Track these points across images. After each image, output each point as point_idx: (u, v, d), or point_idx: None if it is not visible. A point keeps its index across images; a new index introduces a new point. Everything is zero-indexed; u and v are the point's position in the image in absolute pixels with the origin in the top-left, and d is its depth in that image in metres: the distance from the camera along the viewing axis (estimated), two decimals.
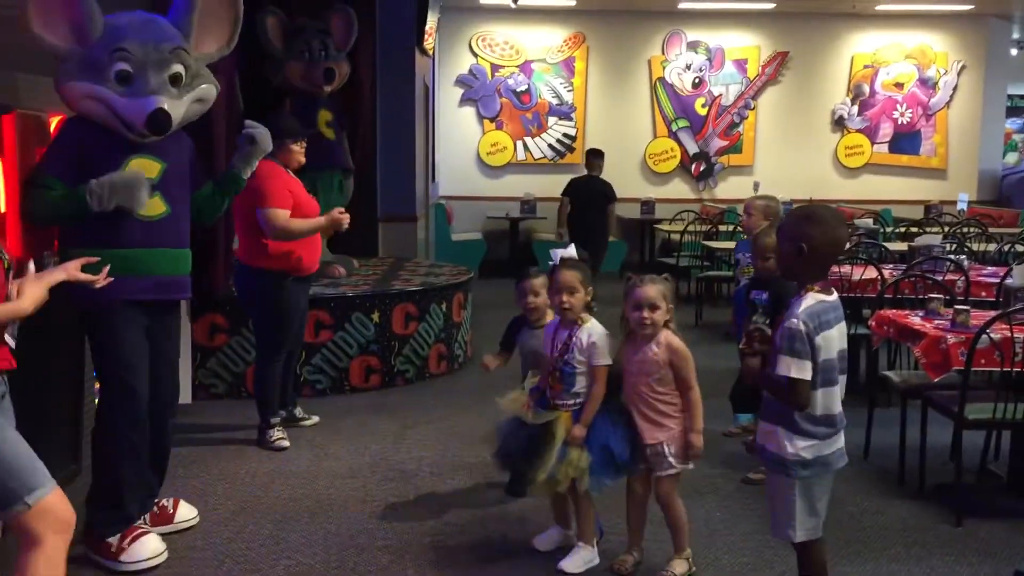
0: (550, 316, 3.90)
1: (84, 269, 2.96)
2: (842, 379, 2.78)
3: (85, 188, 3.38)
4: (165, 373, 3.75)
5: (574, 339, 3.52)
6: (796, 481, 2.76)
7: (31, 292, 2.61)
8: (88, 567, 3.53)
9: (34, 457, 2.56)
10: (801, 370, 2.66)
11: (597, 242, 8.84)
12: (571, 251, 3.65)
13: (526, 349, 4.02)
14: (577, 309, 3.54)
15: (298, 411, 5.39)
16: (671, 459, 3.43)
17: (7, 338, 2.61)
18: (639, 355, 3.44)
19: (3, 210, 3.46)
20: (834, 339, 2.73)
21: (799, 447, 2.73)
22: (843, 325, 2.79)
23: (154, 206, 3.55)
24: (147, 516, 3.80)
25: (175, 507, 3.89)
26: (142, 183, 3.46)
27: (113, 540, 3.51)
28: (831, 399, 2.75)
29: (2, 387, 2.57)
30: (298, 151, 4.95)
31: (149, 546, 3.53)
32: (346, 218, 4.93)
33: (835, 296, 2.80)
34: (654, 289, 3.42)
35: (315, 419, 5.41)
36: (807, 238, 2.71)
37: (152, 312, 3.62)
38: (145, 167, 3.53)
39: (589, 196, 9.10)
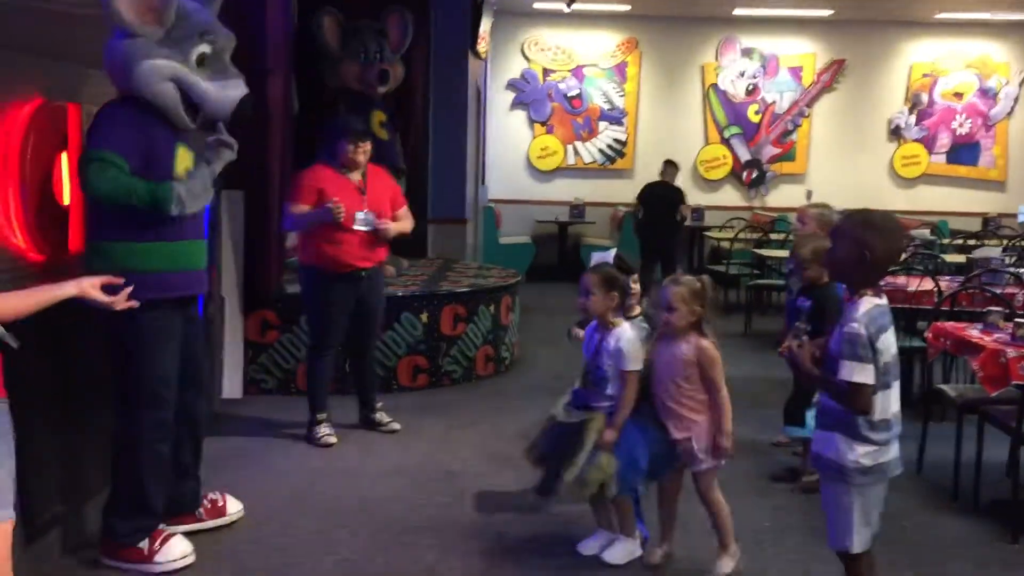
0: (636, 310, 3.80)
1: (123, 259, 2.86)
2: (896, 383, 2.76)
3: (171, 192, 3.28)
4: (197, 375, 3.70)
5: (604, 342, 3.54)
6: (854, 488, 2.72)
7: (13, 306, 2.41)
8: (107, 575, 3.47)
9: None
10: (864, 374, 2.64)
11: (668, 246, 9.62)
12: (609, 256, 3.64)
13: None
14: (592, 311, 3.57)
15: (378, 416, 5.28)
16: (701, 455, 3.46)
17: None
18: (668, 353, 3.49)
19: (67, 203, 3.53)
20: (891, 342, 2.73)
21: (859, 453, 2.71)
22: (893, 328, 2.78)
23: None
24: (202, 511, 3.82)
25: (224, 500, 3.93)
26: (210, 188, 3.47)
27: (143, 545, 3.44)
28: (889, 401, 2.73)
29: None
30: (352, 150, 4.91)
31: (179, 547, 3.48)
32: (339, 209, 4.74)
33: (885, 299, 2.78)
34: (671, 291, 3.47)
35: (397, 426, 5.27)
36: (870, 246, 2.69)
37: (182, 308, 3.54)
38: (185, 157, 3.47)
39: (661, 202, 9.64)
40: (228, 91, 3.43)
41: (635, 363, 3.51)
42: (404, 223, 5.24)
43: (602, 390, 3.55)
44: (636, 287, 3.87)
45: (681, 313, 3.45)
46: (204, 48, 3.38)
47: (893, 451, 2.77)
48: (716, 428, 3.44)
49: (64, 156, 3.48)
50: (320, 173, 4.93)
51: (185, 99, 3.38)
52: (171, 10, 3.32)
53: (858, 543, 2.76)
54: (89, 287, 2.64)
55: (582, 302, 3.59)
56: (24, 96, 3.26)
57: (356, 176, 4.99)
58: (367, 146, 4.99)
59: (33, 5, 3.37)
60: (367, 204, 4.94)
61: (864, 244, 2.69)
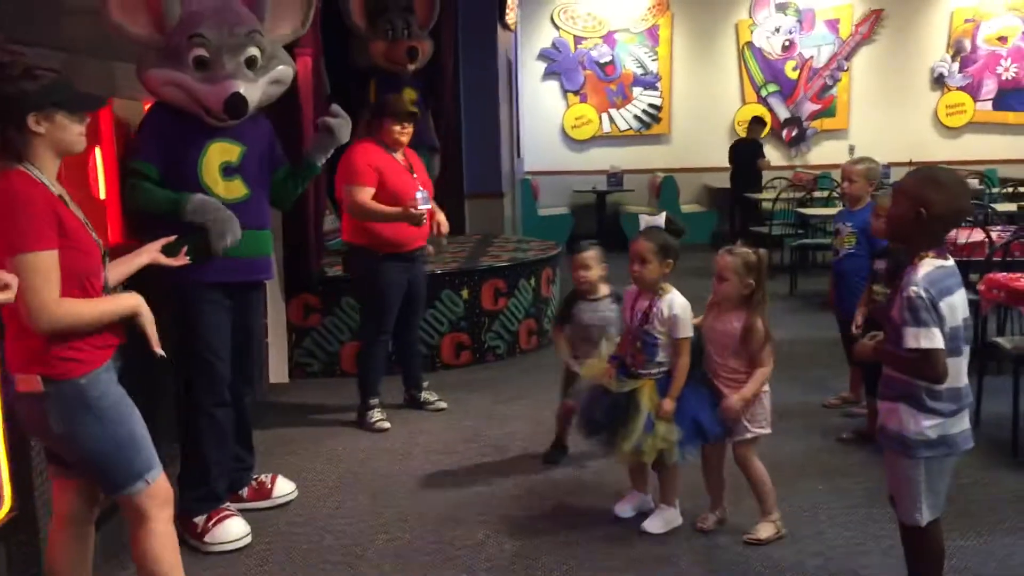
0: (604, 290, 4.13)
1: (163, 250, 3.01)
2: (966, 350, 2.63)
3: (186, 198, 3.44)
4: (246, 352, 3.79)
5: (655, 309, 3.50)
6: (920, 461, 2.62)
7: (118, 273, 2.69)
8: None
9: (148, 435, 2.62)
10: (931, 339, 2.49)
11: (745, 197, 10.71)
12: (658, 220, 3.58)
13: (578, 322, 4.12)
14: (646, 280, 3.52)
15: (424, 395, 5.32)
16: (746, 423, 3.44)
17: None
18: (721, 324, 3.45)
19: (103, 197, 3.56)
20: (958, 306, 2.57)
21: (924, 425, 2.59)
22: (964, 291, 2.64)
23: (235, 188, 3.58)
24: (246, 491, 3.89)
25: (273, 482, 3.97)
26: (235, 231, 3.50)
27: (199, 520, 3.55)
28: (958, 370, 2.59)
29: (119, 362, 2.61)
30: (399, 131, 4.86)
31: (234, 529, 3.56)
32: (421, 215, 4.74)
33: (952, 261, 2.64)
34: (723, 261, 3.43)
35: (444, 404, 5.30)
36: (927, 202, 2.54)
37: (235, 293, 3.66)
38: (226, 151, 3.56)
39: (742, 156, 11.01)
40: (212, 93, 3.46)
41: (689, 330, 3.49)
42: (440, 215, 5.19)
43: (652, 357, 3.51)
44: (593, 269, 4.05)
45: (733, 284, 3.40)
46: (198, 52, 3.46)
47: (962, 423, 2.64)
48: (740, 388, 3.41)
49: (98, 151, 3.49)
50: (373, 152, 4.86)
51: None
52: (165, 14, 3.44)
53: (926, 515, 2.67)
54: (154, 251, 2.97)
55: (637, 270, 3.51)
56: None
57: (400, 156, 4.96)
58: (411, 128, 4.96)
59: (62, 3, 3.39)
60: (420, 183, 4.90)
61: (921, 201, 2.55)
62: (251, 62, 3.57)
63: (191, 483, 3.63)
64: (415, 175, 4.95)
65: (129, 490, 2.55)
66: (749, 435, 3.47)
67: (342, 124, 3.87)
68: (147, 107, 3.81)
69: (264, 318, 5.50)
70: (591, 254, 4.12)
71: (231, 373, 3.70)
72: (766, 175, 11.35)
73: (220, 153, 3.55)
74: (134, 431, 2.56)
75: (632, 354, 3.56)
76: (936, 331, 2.50)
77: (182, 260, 3.11)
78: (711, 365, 3.50)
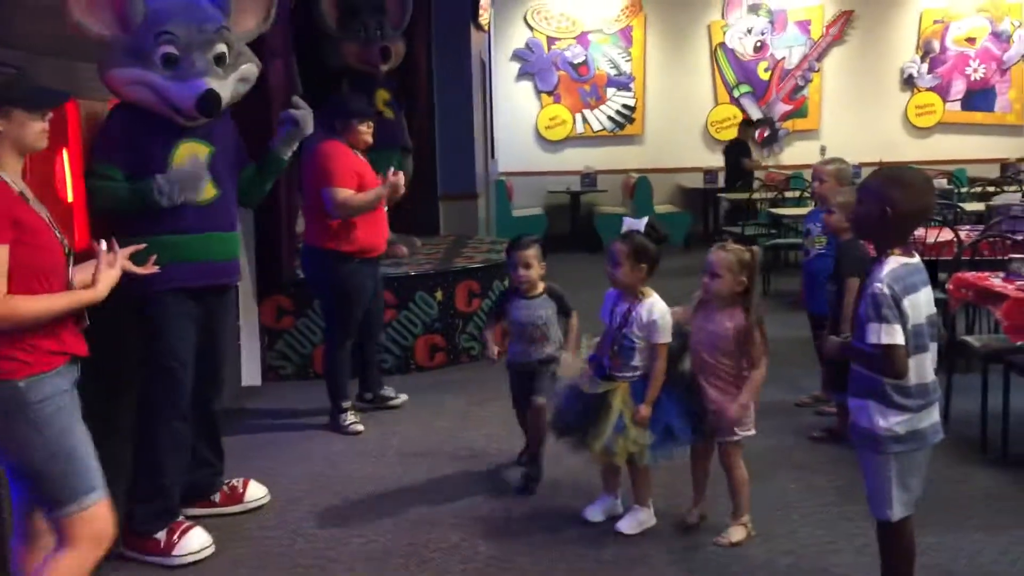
0: (540, 287, 4.05)
1: (131, 258, 2.95)
2: (933, 346, 2.66)
3: (151, 184, 3.37)
4: (214, 359, 3.73)
5: (634, 313, 3.49)
6: (890, 457, 2.64)
7: (106, 277, 2.61)
8: (129, 567, 3.44)
9: (94, 456, 2.53)
10: (892, 335, 2.53)
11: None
12: (640, 224, 3.57)
13: (515, 320, 4.06)
14: (619, 282, 3.53)
15: (386, 390, 5.35)
16: (729, 427, 3.44)
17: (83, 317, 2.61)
18: (710, 324, 3.43)
19: (70, 200, 3.51)
20: (922, 303, 2.61)
21: (892, 422, 2.62)
22: (929, 289, 2.68)
23: (206, 190, 3.53)
24: (218, 496, 3.85)
25: (244, 487, 3.93)
26: (204, 172, 3.46)
27: (161, 536, 3.45)
28: (923, 367, 2.63)
29: (75, 373, 2.57)
30: (365, 131, 4.89)
31: (197, 539, 3.48)
32: (401, 178, 4.79)
33: (917, 258, 2.68)
34: (717, 257, 3.40)
35: (404, 397, 5.37)
36: (891, 201, 2.58)
37: (203, 298, 3.60)
38: (195, 151, 3.51)
39: (729, 156, 11.31)
40: (182, 91, 3.40)
41: (668, 335, 3.47)
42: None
43: (628, 360, 3.50)
44: (534, 267, 3.98)
45: (726, 281, 3.38)
46: (167, 49, 3.40)
47: (931, 416, 2.67)
48: (738, 395, 3.40)
49: (65, 153, 3.44)
50: (349, 154, 4.84)
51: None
52: (129, 11, 3.38)
53: (898, 511, 2.69)
54: (123, 258, 2.80)
55: (610, 272, 3.53)
56: None
57: (361, 156, 4.96)
58: (372, 127, 4.98)
59: (24, 1, 3.34)
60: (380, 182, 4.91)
61: (886, 200, 2.59)
62: (220, 59, 3.52)
63: (146, 497, 3.50)
64: (377, 174, 4.98)
65: (59, 511, 2.44)
66: (736, 437, 3.47)
67: (306, 116, 3.85)
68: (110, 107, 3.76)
69: (237, 320, 5.49)
70: (533, 252, 4.02)
71: (198, 380, 3.62)
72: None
73: (189, 153, 3.50)
74: (75, 448, 2.47)
75: (609, 356, 3.55)
76: (897, 327, 2.53)
77: (151, 268, 3.04)
78: (699, 364, 3.48)
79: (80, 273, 2.67)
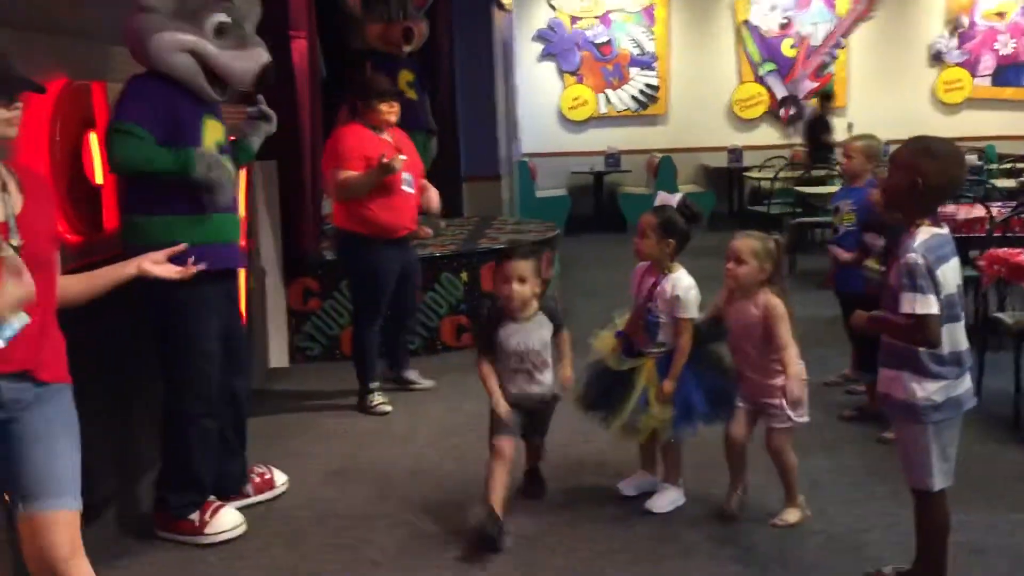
0: (535, 306, 3.45)
1: (164, 232, 2.84)
2: (963, 316, 2.66)
3: (194, 151, 3.23)
4: (234, 346, 3.66)
5: (659, 287, 3.46)
6: (929, 426, 2.64)
7: (94, 286, 2.49)
8: (164, 548, 3.46)
9: (66, 468, 2.33)
10: (927, 305, 2.53)
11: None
12: (675, 199, 3.54)
13: (504, 349, 3.45)
14: (644, 253, 3.50)
15: (410, 374, 5.35)
16: (789, 411, 3.36)
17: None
18: (740, 315, 3.41)
19: (99, 182, 3.52)
20: (954, 272, 2.61)
21: (929, 390, 2.61)
22: (957, 259, 2.67)
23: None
24: (250, 486, 3.82)
25: (271, 473, 3.93)
26: (232, 180, 3.41)
27: (194, 516, 3.46)
28: (957, 335, 2.63)
29: (27, 393, 2.28)
30: (387, 111, 4.84)
31: (229, 518, 3.50)
32: (397, 160, 4.63)
33: (947, 229, 2.67)
34: (742, 243, 3.37)
35: (429, 383, 5.35)
36: (923, 172, 2.57)
37: (220, 283, 3.49)
38: (216, 128, 3.45)
39: (809, 132, 10.51)
40: (245, 61, 3.33)
41: (692, 310, 3.44)
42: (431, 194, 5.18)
43: (653, 336, 3.49)
44: (529, 283, 3.38)
45: (751, 267, 3.35)
46: (221, 17, 3.30)
47: (965, 383, 2.68)
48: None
49: (92, 135, 3.46)
50: (360, 134, 4.81)
51: (206, 71, 3.32)
52: None
53: (939, 481, 2.68)
54: (149, 265, 2.60)
55: (636, 242, 3.51)
56: (49, 76, 3.23)
57: (387, 137, 4.93)
58: (397, 106, 4.93)
59: None
60: (406, 166, 4.88)
61: (917, 170, 2.58)
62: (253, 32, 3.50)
63: (179, 489, 3.49)
64: (403, 157, 4.90)
65: (16, 507, 2.28)
66: (788, 424, 3.39)
67: (272, 116, 3.81)
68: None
69: (264, 303, 5.52)
70: (528, 265, 3.39)
71: (226, 364, 3.58)
72: (762, 155, 11.33)
73: (213, 131, 3.42)
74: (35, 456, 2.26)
75: (635, 333, 3.54)
76: (932, 297, 2.53)
77: (191, 270, 2.73)
78: (738, 356, 3.45)
79: (89, 282, 2.52)
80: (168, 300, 3.27)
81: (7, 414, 2.27)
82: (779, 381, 3.36)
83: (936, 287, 2.55)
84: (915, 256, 2.55)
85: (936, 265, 2.56)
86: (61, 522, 2.30)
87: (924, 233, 2.60)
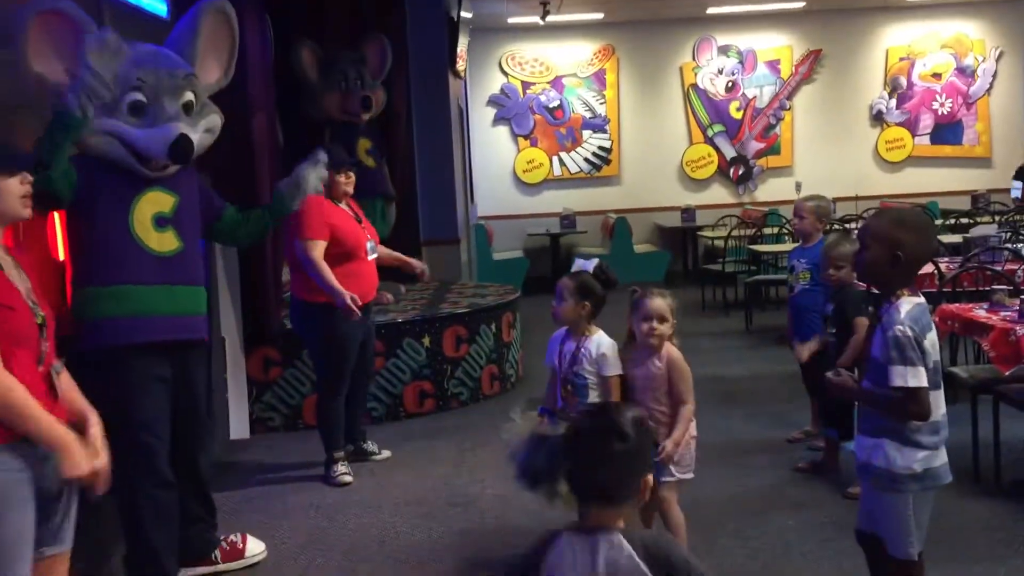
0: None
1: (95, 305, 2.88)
2: (941, 383, 2.68)
3: (65, 105, 3.13)
4: (195, 418, 3.62)
5: (582, 350, 3.51)
6: (908, 496, 2.64)
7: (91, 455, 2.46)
8: None
9: (28, 544, 2.34)
10: (918, 378, 2.53)
11: None
12: (590, 265, 3.59)
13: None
14: (562, 318, 3.53)
15: (368, 445, 5.28)
16: (671, 467, 3.41)
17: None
18: (642, 369, 3.45)
19: (62, 258, 3.50)
20: (935, 340, 2.63)
21: (911, 459, 2.61)
22: (934, 326, 2.70)
23: (168, 241, 3.44)
24: (218, 553, 3.79)
25: (244, 542, 3.88)
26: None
27: None
28: (938, 402, 2.64)
29: (36, 449, 2.36)
30: (344, 182, 4.88)
31: None
32: (355, 312, 4.66)
33: (923, 298, 2.70)
34: (663, 302, 3.43)
35: (387, 453, 5.30)
36: (902, 245, 2.59)
37: (170, 355, 3.47)
38: (160, 201, 3.43)
39: None
40: (152, 138, 3.34)
41: (618, 367, 3.48)
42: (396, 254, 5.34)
43: (583, 398, 3.51)
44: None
45: (670, 324, 3.42)
46: (135, 96, 3.34)
47: (943, 456, 2.68)
48: (669, 433, 3.37)
49: (56, 213, 3.44)
50: (324, 206, 4.82)
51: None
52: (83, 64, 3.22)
53: (916, 548, 2.68)
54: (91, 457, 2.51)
55: (554, 307, 3.55)
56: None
57: (345, 206, 4.97)
58: (353, 177, 4.98)
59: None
60: (368, 233, 4.92)
61: (898, 244, 2.59)
62: (188, 107, 3.47)
63: (139, 565, 3.43)
64: (362, 224, 4.98)
65: None
66: (672, 479, 3.42)
67: (308, 175, 3.92)
68: None
69: (224, 373, 5.46)
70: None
71: (181, 439, 3.54)
72: (714, 214, 11.56)
73: (153, 203, 3.41)
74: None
75: (564, 397, 3.57)
76: (921, 370, 2.54)
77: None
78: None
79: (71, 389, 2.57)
80: (105, 373, 3.23)
81: (39, 470, 2.38)
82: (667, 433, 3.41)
83: (924, 357, 2.56)
84: (903, 328, 2.55)
85: (922, 335, 2.57)
86: (66, 563, 2.54)
87: (907, 304, 2.60)
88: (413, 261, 5.41)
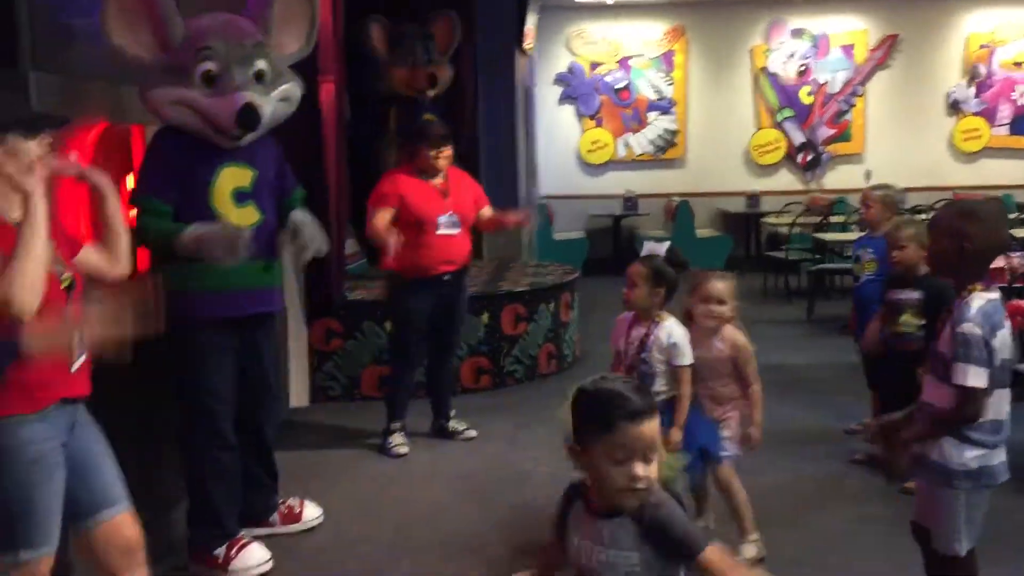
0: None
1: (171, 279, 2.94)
2: (1009, 382, 2.63)
3: (178, 234, 3.32)
4: (262, 387, 3.73)
5: (651, 337, 3.45)
6: (961, 492, 2.60)
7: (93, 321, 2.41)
8: None
9: (57, 512, 2.38)
10: (978, 378, 2.49)
11: None
12: (662, 248, 3.54)
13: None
14: (635, 304, 3.48)
15: (452, 423, 5.24)
16: (730, 444, 3.47)
17: (76, 356, 2.42)
18: (702, 350, 3.47)
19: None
20: (1007, 338, 2.57)
21: (966, 457, 2.57)
22: (1008, 324, 2.63)
23: (248, 215, 3.49)
24: (276, 516, 3.89)
25: (301, 507, 3.98)
26: (242, 240, 3.33)
27: (219, 551, 3.51)
28: (1002, 402, 2.59)
29: (68, 417, 2.41)
30: (435, 157, 4.84)
31: (255, 555, 3.53)
32: (390, 245, 4.61)
33: (998, 293, 2.64)
34: (722, 284, 3.45)
35: (474, 433, 5.24)
36: (968, 237, 2.55)
37: (243, 327, 3.57)
38: (238, 175, 3.49)
39: None
40: (219, 106, 3.37)
41: (690, 357, 3.44)
42: (510, 217, 5.31)
43: (649, 385, 3.46)
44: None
45: (729, 306, 3.45)
46: (206, 66, 3.38)
47: (1001, 455, 2.63)
48: (749, 420, 3.48)
49: (130, 178, 3.54)
50: (400, 178, 4.87)
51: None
52: (168, 31, 3.35)
53: (966, 545, 2.65)
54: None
55: (626, 293, 3.50)
56: (90, 120, 3.32)
57: (438, 180, 4.93)
58: (448, 151, 4.93)
59: (91, 30, 3.43)
60: (451, 207, 4.89)
61: (963, 235, 2.55)
62: (260, 76, 3.49)
63: (202, 522, 3.57)
64: (447, 198, 4.91)
65: (2, 556, 2.30)
66: (728, 453, 3.49)
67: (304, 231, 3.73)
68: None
69: (286, 342, 5.57)
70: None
71: (248, 407, 3.66)
72: (780, 200, 11.39)
73: (232, 178, 3.47)
74: (32, 499, 2.30)
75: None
76: (985, 371, 2.49)
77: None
78: (703, 392, 3.53)
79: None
80: (175, 340, 3.30)
81: (67, 437, 2.41)
82: (727, 410, 3.51)
83: (991, 356, 2.51)
84: (971, 326, 2.50)
85: (992, 334, 2.51)
86: (130, 520, 2.57)
87: (979, 299, 2.55)
88: (510, 215, 5.35)
